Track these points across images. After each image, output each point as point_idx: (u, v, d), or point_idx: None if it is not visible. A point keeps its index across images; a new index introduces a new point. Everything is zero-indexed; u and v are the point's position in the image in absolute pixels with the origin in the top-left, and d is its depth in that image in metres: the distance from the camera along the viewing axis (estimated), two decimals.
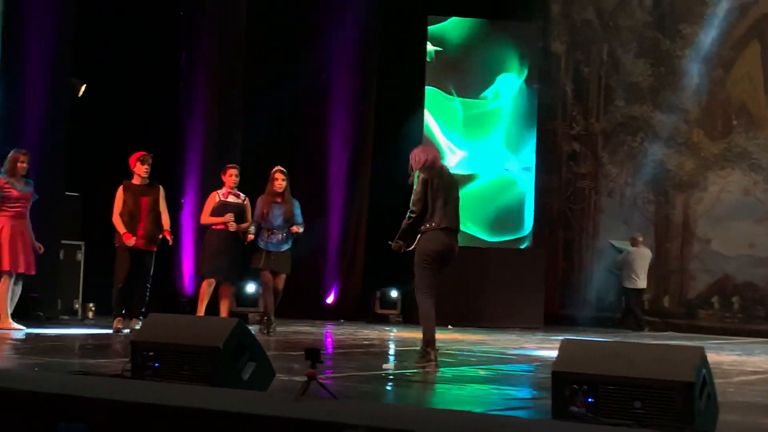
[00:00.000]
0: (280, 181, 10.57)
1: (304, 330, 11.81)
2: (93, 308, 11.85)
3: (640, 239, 15.60)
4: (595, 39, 16.80)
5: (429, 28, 15.42)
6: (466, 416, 4.50)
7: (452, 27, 15.61)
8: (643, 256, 15.47)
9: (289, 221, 10.55)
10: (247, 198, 10.71)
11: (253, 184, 11.01)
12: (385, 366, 7.53)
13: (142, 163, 10.18)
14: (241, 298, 13.15)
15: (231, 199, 10.62)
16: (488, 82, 15.56)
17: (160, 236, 10.24)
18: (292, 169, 11.27)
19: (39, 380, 4.79)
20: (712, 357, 4.68)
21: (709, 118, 16.00)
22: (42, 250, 10.05)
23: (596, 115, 16.74)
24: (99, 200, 11.22)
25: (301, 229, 10.61)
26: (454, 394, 6.30)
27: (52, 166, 11.48)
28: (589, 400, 4.20)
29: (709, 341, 12.57)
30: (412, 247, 7.41)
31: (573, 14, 16.96)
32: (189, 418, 3.85)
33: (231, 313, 10.88)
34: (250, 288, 13.19)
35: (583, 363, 4.32)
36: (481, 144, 15.48)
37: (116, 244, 10.12)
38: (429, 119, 15.34)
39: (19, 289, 9.94)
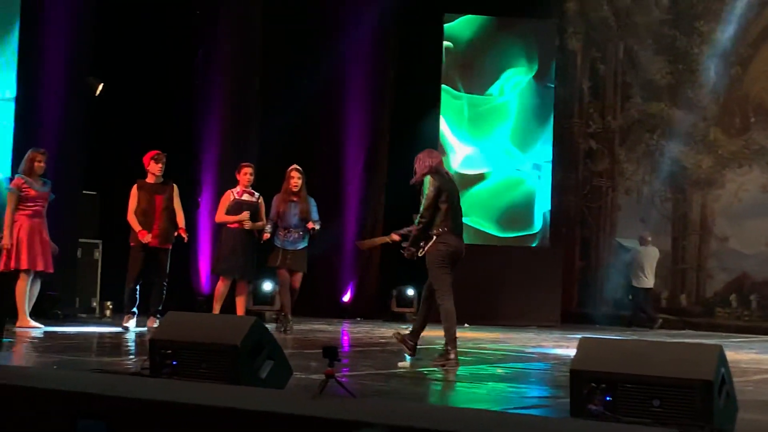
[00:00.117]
0: (296, 179, 10.58)
1: (320, 328, 11.82)
2: (111, 306, 11.89)
3: (649, 238, 15.54)
4: (611, 36, 16.72)
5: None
6: (484, 414, 4.49)
7: (463, 24, 15.58)
8: (650, 255, 15.41)
9: (305, 220, 10.56)
10: (261, 196, 10.73)
11: (270, 182, 11.02)
12: (400, 364, 7.53)
13: (156, 161, 10.24)
14: (257, 297, 13.14)
15: (245, 197, 10.64)
16: (494, 78, 15.55)
17: (175, 234, 10.29)
18: (309, 168, 11.27)
19: (58, 378, 4.81)
20: (730, 355, 4.66)
21: (727, 115, 15.90)
22: (57, 251, 10.09)
23: (613, 113, 16.67)
24: (116, 199, 11.25)
25: (317, 225, 10.61)
26: (472, 393, 6.30)
27: (70, 165, 11.53)
28: (608, 398, 4.20)
29: (727, 339, 12.52)
30: (423, 252, 7.73)
31: (589, 12, 16.89)
32: (207, 416, 3.86)
33: (248, 312, 10.90)
34: (267, 286, 13.19)
35: (601, 361, 4.31)
36: (487, 140, 15.45)
37: (131, 243, 10.16)
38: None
39: (37, 288, 9.98)
